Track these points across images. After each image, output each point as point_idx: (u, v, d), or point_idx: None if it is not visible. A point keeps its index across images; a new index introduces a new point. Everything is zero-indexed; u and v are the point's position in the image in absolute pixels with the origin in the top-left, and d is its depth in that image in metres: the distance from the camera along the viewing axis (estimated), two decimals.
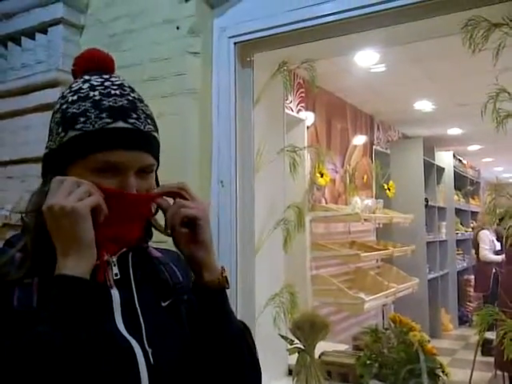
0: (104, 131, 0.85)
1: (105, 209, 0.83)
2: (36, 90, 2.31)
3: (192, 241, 0.92)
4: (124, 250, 0.93)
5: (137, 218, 0.90)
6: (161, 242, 1.03)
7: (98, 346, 0.81)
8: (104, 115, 0.86)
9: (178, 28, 2.02)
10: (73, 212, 0.79)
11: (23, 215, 0.91)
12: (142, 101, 0.93)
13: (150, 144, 0.90)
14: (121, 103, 0.88)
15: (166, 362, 0.89)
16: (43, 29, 2.33)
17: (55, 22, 2.28)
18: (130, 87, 0.93)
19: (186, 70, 2.01)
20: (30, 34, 2.38)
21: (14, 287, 0.83)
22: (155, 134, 0.92)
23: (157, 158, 0.93)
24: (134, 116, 0.88)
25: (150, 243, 1.02)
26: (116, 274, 0.90)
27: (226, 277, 0.96)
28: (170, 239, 0.96)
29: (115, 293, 0.89)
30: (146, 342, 0.88)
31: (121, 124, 0.86)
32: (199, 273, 0.94)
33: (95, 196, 0.82)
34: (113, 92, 0.89)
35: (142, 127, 0.89)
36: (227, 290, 0.97)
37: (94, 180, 0.85)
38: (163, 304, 0.95)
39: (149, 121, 0.91)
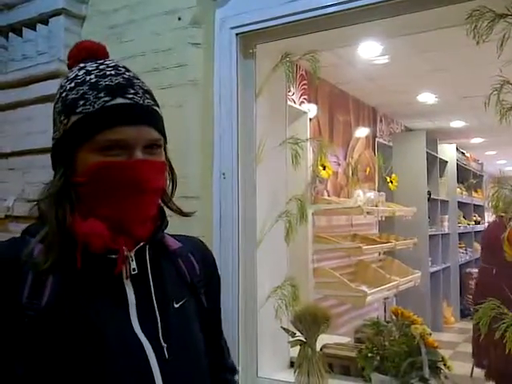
0: (104, 110, 0.85)
1: None
2: (37, 81, 2.30)
3: None
4: (141, 244, 0.90)
5: (150, 190, 0.87)
6: None
7: (108, 343, 0.81)
8: (102, 94, 0.86)
9: (179, 19, 2.01)
10: None
11: (38, 205, 0.90)
12: (138, 78, 0.93)
13: (151, 118, 0.90)
14: (117, 81, 0.88)
15: (181, 358, 0.89)
16: (44, 19, 2.32)
17: (56, 13, 2.27)
18: (124, 67, 0.93)
19: (187, 61, 2.00)
20: (31, 24, 2.37)
21: (25, 279, 0.82)
22: (156, 108, 0.92)
23: (162, 133, 0.92)
24: (132, 91, 0.88)
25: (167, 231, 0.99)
26: (134, 269, 0.89)
27: None
28: None
29: (131, 288, 0.88)
30: (161, 337, 0.87)
31: (120, 100, 0.86)
32: None
33: None
34: (108, 73, 0.89)
35: (141, 101, 0.88)
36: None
37: (102, 160, 0.84)
38: (180, 302, 0.94)
39: (147, 95, 0.91)
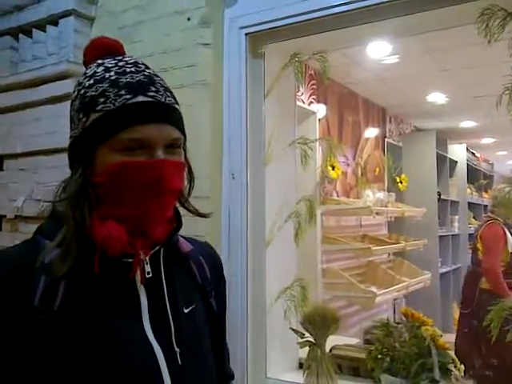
0: (125, 108, 0.83)
1: None
2: (47, 82, 2.31)
3: None
4: (156, 248, 0.90)
5: (170, 190, 0.86)
6: None
7: (120, 348, 0.81)
8: (123, 92, 0.84)
9: (188, 19, 2.01)
10: None
11: (54, 204, 0.89)
12: (157, 75, 0.91)
13: (172, 116, 0.88)
14: (138, 78, 0.87)
15: (191, 363, 0.88)
16: (54, 21, 2.33)
17: (66, 14, 2.28)
18: (144, 64, 0.92)
19: (197, 61, 2.00)
20: (41, 25, 2.39)
21: (38, 283, 0.80)
22: (177, 107, 0.90)
23: (182, 132, 0.90)
24: (153, 89, 0.86)
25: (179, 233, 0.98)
26: (148, 273, 0.88)
27: None
28: None
29: (144, 292, 0.88)
30: (174, 341, 0.87)
31: (141, 98, 0.84)
32: None
33: None
34: (128, 70, 0.88)
35: (163, 99, 0.87)
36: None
37: (123, 160, 0.83)
38: (191, 307, 0.93)
39: (168, 93, 0.89)
